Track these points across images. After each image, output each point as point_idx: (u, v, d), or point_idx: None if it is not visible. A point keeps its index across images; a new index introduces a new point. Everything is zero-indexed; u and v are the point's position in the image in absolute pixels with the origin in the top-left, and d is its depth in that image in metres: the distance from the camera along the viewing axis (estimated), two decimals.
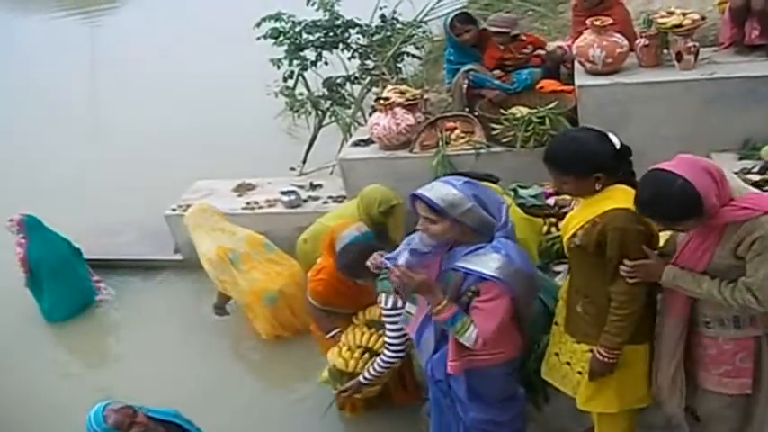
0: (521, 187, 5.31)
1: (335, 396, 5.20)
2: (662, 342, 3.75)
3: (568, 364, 4.07)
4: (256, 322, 6.59)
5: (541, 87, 6.85)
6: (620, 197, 3.58)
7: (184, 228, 6.86)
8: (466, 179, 3.78)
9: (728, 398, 3.67)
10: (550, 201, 5.02)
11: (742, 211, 3.24)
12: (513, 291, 3.71)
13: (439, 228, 3.67)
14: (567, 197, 4.86)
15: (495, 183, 5.37)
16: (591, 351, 3.86)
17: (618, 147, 3.64)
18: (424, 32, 9.39)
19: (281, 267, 6.60)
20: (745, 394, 3.63)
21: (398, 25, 9.28)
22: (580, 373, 3.99)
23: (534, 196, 5.00)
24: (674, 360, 3.70)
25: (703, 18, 6.29)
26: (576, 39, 6.62)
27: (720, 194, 3.24)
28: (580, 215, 3.72)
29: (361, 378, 4.83)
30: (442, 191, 3.63)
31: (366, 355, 4.98)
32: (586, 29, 6.38)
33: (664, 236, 3.78)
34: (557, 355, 4.15)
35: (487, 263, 3.63)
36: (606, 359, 3.75)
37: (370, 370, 4.75)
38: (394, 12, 9.34)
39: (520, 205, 5.02)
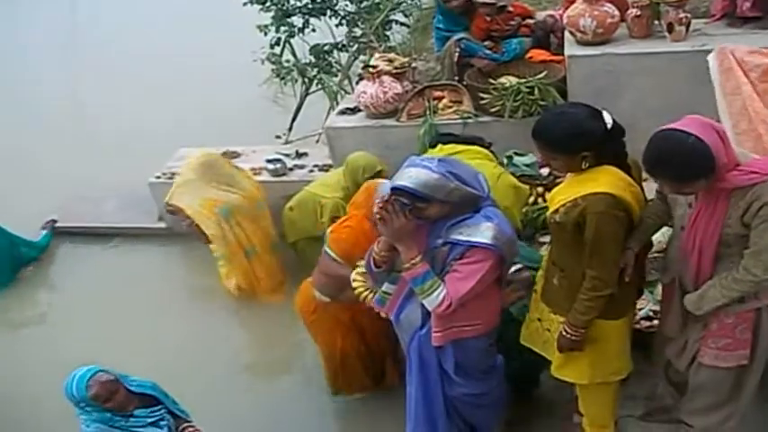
0: (516, 154, 5.26)
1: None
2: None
3: (548, 330, 4.08)
4: (235, 275, 6.60)
5: (531, 57, 6.79)
6: (605, 180, 3.55)
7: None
8: (438, 158, 3.69)
9: (724, 371, 3.68)
10: (544, 171, 4.97)
11: (749, 175, 3.21)
12: (504, 256, 3.70)
13: (431, 211, 3.60)
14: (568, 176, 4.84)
15: (487, 147, 5.35)
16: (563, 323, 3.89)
17: (609, 125, 3.57)
18: (412, 0, 9.32)
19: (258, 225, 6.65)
20: (741, 365, 3.65)
21: None
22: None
23: (529, 165, 4.95)
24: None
25: None
26: (567, 8, 6.57)
27: (728, 154, 3.20)
28: (565, 192, 3.69)
29: None
30: (421, 177, 3.51)
31: None
32: None
33: None
34: (539, 320, 4.15)
35: (482, 231, 3.58)
36: (571, 336, 3.76)
37: None
38: None
39: (512, 172, 4.96)
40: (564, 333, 3.79)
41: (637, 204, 3.63)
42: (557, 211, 3.69)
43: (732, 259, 3.40)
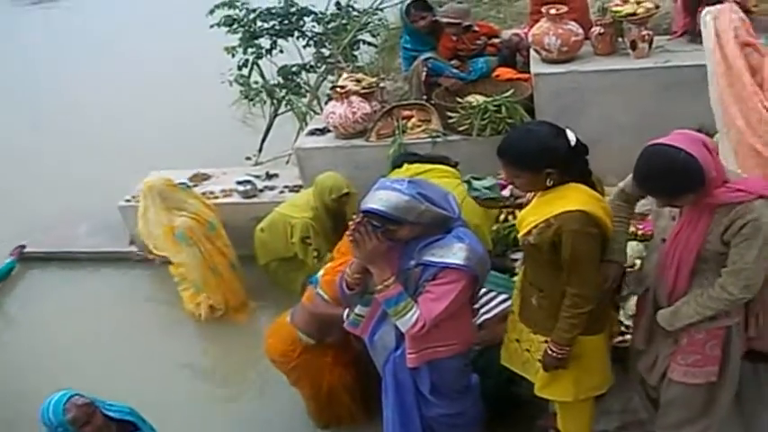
0: (474, 179, 5.24)
1: None
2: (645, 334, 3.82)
3: (528, 351, 4.09)
4: (214, 296, 6.63)
5: (497, 75, 6.86)
6: (575, 197, 3.59)
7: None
8: (408, 180, 3.72)
9: (694, 387, 3.70)
10: (506, 192, 4.97)
11: (736, 193, 3.24)
12: (478, 276, 3.74)
13: (402, 233, 3.63)
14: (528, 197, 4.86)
15: (453, 166, 5.37)
16: (546, 342, 3.89)
17: (573, 143, 3.61)
18: (379, 20, 9.36)
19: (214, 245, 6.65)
20: (710, 382, 3.67)
21: (354, 13, 9.24)
22: (540, 361, 4.00)
23: (489, 187, 4.91)
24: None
25: (657, 7, 6.35)
26: (532, 27, 6.64)
27: (717, 169, 3.24)
28: (535, 213, 3.71)
29: None
30: (391, 200, 3.54)
31: None
32: (543, 17, 6.39)
33: None
34: (517, 341, 4.16)
35: (454, 252, 3.63)
36: (557, 354, 3.78)
37: None
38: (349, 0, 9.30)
39: (474, 198, 4.95)
40: (549, 352, 3.80)
41: (608, 219, 3.67)
42: (529, 232, 3.70)
43: (706, 275, 3.43)
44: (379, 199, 3.56)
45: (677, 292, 3.54)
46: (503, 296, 4.63)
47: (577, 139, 3.64)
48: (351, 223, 3.67)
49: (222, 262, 6.66)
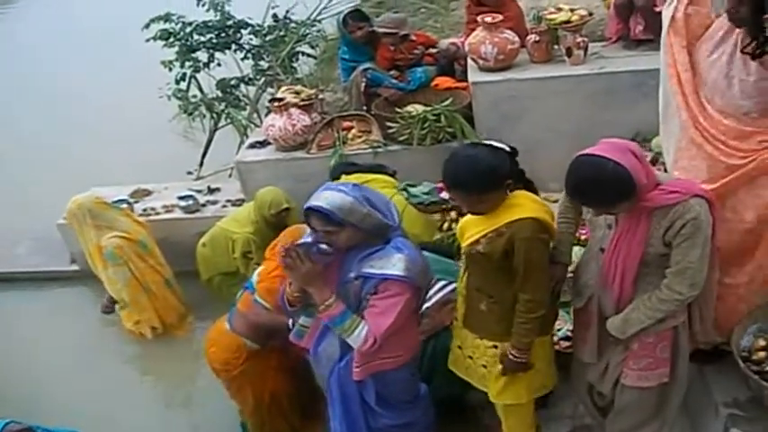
0: (410, 186, 5.21)
1: None
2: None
3: (470, 357, 4.12)
4: (144, 315, 6.55)
5: (436, 85, 6.89)
6: (524, 205, 3.64)
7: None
8: (353, 183, 3.74)
9: (645, 390, 3.74)
10: (443, 194, 4.95)
11: (672, 194, 3.29)
12: (419, 286, 3.75)
13: (342, 237, 3.60)
14: None
15: (391, 175, 5.38)
16: (495, 346, 3.93)
17: (509, 149, 3.68)
18: (318, 31, 9.36)
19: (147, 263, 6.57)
20: (662, 384, 3.72)
21: (292, 24, 9.22)
22: (485, 366, 4.04)
23: (427, 192, 4.91)
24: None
25: (591, 14, 6.44)
26: (468, 36, 6.69)
27: (648, 174, 3.28)
28: (481, 222, 3.72)
29: None
30: (336, 200, 3.53)
31: None
32: (479, 26, 6.44)
33: None
34: (459, 348, 4.20)
35: (393, 264, 3.61)
36: (519, 359, 3.81)
37: None
38: (287, 11, 9.28)
39: (417, 204, 4.96)
40: (511, 357, 3.82)
41: (554, 223, 3.74)
42: (477, 242, 3.72)
43: (649, 279, 3.47)
44: (324, 198, 3.55)
45: (624, 301, 3.57)
46: (442, 282, 4.60)
47: (508, 145, 3.71)
48: (280, 247, 3.66)
49: (156, 280, 6.57)
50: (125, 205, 7.14)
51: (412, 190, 4.66)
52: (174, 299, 6.73)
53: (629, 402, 3.85)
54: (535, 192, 3.85)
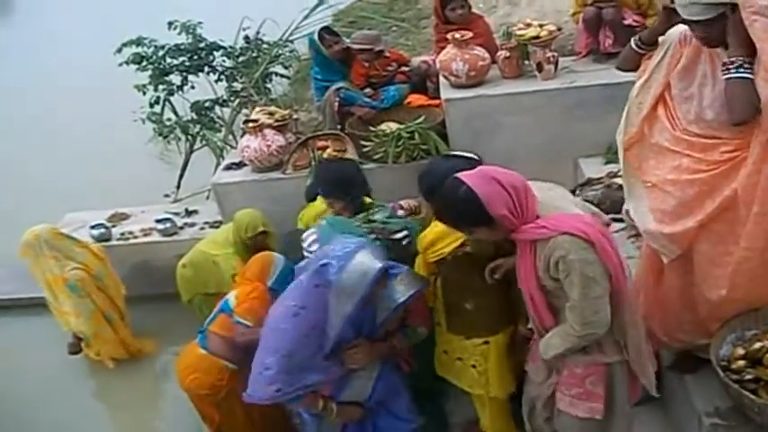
0: (372, 215, 5.09)
1: None
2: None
3: (460, 359, 4.20)
4: (106, 347, 6.55)
5: (409, 102, 6.94)
6: None
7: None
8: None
9: (579, 420, 3.66)
10: (401, 212, 4.86)
11: (540, 230, 3.26)
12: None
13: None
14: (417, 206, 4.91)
15: (367, 194, 5.39)
16: (486, 342, 4.05)
17: (477, 158, 3.87)
18: (291, 51, 9.38)
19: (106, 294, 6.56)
20: (597, 419, 3.63)
21: (264, 45, 9.25)
22: (474, 366, 4.15)
23: (389, 218, 4.74)
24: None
25: (560, 29, 6.54)
26: (438, 53, 6.76)
27: (517, 207, 3.26)
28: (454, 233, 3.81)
29: None
30: (356, 271, 3.60)
31: None
32: (449, 43, 6.51)
33: None
34: (445, 353, 4.28)
35: (405, 285, 3.92)
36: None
37: None
38: (258, 32, 9.31)
39: (381, 230, 4.85)
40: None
41: None
42: (462, 245, 3.87)
43: (564, 312, 3.42)
44: (345, 270, 3.62)
45: (545, 324, 3.54)
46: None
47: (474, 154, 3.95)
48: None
49: (114, 308, 6.58)
50: (102, 230, 7.17)
51: (375, 217, 4.61)
52: (130, 335, 6.73)
53: (565, 429, 3.79)
54: None
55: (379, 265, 3.62)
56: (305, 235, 4.56)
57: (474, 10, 7.10)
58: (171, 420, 5.91)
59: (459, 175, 3.34)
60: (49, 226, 6.51)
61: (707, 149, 3.62)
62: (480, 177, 3.29)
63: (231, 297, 4.84)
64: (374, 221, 4.52)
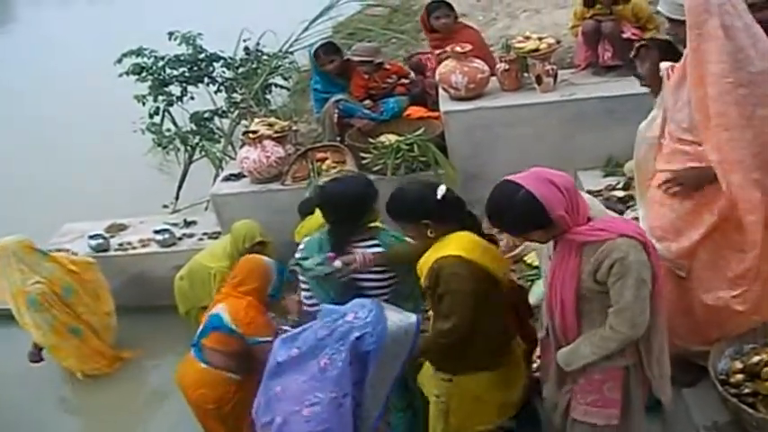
0: (303, 259, 5.02)
1: None
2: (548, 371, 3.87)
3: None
4: (65, 362, 6.56)
5: (409, 114, 6.96)
6: (450, 245, 3.79)
7: None
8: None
9: (595, 428, 3.67)
10: (337, 262, 4.59)
11: (597, 232, 3.30)
12: None
13: None
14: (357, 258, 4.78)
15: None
16: (450, 380, 4.04)
17: (440, 196, 3.85)
18: (290, 63, 9.39)
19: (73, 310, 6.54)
20: (613, 425, 3.65)
21: (264, 57, 9.27)
22: (437, 396, 4.15)
23: (321, 263, 4.66)
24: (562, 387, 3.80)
25: (558, 42, 6.56)
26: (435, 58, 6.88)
27: (571, 208, 3.30)
28: (426, 261, 3.87)
29: None
30: (398, 331, 3.55)
31: None
32: (442, 53, 6.54)
33: None
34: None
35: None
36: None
37: None
38: (258, 44, 9.33)
39: (313, 278, 4.78)
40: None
41: (492, 262, 3.87)
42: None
43: (592, 316, 3.45)
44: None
45: (570, 332, 3.55)
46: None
47: (447, 193, 3.91)
48: None
49: (83, 324, 6.55)
50: (100, 240, 7.17)
51: (305, 263, 4.59)
52: (102, 345, 6.69)
53: None
54: (478, 226, 4.01)
55: (413, 318, 3.64)
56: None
57: (468, 21, 7.16)
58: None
59: (510, 178, 3.37)
60: (20, 238, 6.47)
61: (701, 158, 3.70)
62: (536, 179, 3.31)
63: (223, 313, 4.81)
64: (307, 267, 4.50)
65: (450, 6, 7.00)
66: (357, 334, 3.41)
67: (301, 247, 4.50)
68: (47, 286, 6.32)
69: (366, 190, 4.32)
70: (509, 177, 3.38)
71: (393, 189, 4.03)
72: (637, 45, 4.38)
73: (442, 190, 3.86)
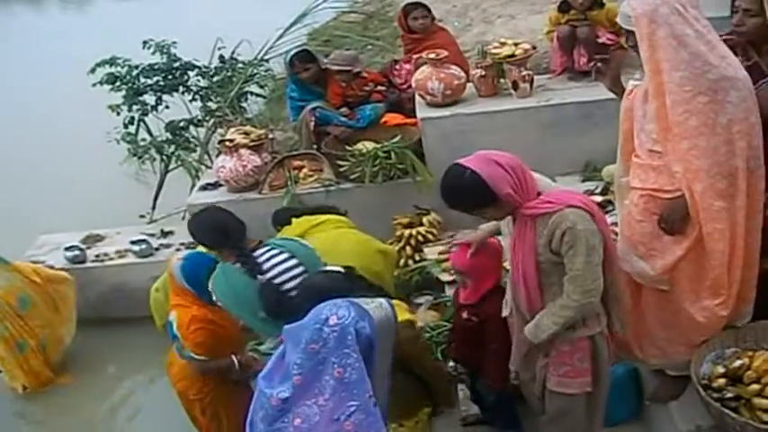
0: (259, 344, 5.11)
1: None
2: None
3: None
4: (11, 373, 6.49)
5: (386, 121, 6.94)
6: None
7: None
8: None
9: (571, 397, 3.80)
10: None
11: (546, 204, 3.47)
12: None
13: None
14: None
15: (342, 215, 5.38)
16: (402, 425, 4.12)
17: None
18: (266, 71, 9.36)
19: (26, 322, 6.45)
20: (587, 392, 3.80)
21: (239, 65, 9.23)
22: None
23: (273, 348, 4.64)
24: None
25: (534, 47, 6.57)
26: (408, 61, 6.96)
27: (518, 185, 3.46)
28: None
29: None
30: (383, 317, 3.37)
31: None
32: (419, 58, 6.55)
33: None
34: None
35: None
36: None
37: None
38: (233, 52, 9.29)
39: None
40: None
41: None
42: None
43: (554, 289, 3.60)
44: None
45: (535, 306, 3.68)
46: None
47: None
48: None
49: (31, 342, 6.45)
50: (77, 252, 7.09)
51: (261, 348, 4.56)
52: (42, 365, 6.57)
53: (558, 409, 3.87)
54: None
55: (384, 303, 3.46)
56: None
57: (443, 25, 7.17)
58: None
59: (459, 161, 3.54)
60: None
61: (670, 171, 3.75)
62: (480, 161, 3.49)
63: (174, 328, 4.68)
64: (264, 351, 4.47)
65: (427, 8, 7.05)
66: (352, 331, 3.19)
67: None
68: (1, 297, 6.25)
69: (217, 214, 4.80)
70: (458, 161, 3.55)
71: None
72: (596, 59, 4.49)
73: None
